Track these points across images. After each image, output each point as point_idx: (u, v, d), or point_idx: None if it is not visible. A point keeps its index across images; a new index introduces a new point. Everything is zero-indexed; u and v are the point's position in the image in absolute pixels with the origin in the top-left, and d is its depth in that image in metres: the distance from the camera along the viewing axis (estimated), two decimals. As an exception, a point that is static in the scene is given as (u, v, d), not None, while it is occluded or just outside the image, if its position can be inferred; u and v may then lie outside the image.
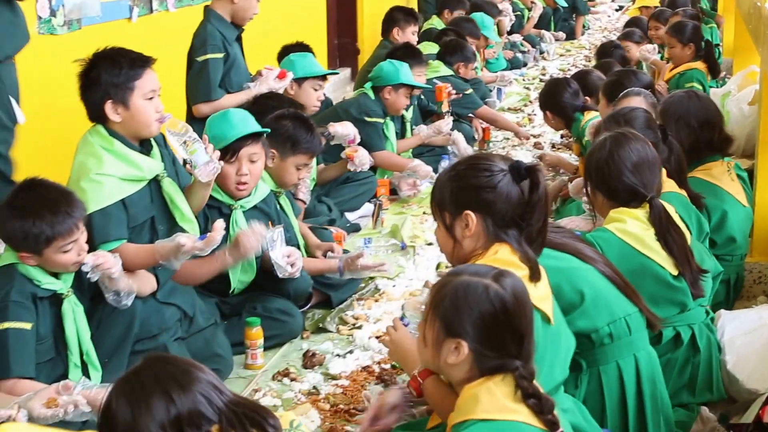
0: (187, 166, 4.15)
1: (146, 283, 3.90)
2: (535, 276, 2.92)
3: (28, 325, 3.46)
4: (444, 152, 7.28)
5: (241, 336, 4.27)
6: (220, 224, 3.95)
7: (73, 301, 3.61)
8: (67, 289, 3.60)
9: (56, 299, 3.59)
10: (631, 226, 3.57)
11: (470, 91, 8.02)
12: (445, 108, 7.51)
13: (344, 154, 6.02)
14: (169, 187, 4.09)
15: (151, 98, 3.99)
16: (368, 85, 6.67)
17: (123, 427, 2.23)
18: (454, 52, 8.11)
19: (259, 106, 5.30)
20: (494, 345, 2.55)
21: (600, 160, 3.67)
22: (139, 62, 3.99)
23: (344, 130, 6.03)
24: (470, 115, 8.14)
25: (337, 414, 3.84)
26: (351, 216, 6.17)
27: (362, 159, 5.99)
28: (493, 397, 2.51)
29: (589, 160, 3.77)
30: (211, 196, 4.29)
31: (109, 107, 3.92)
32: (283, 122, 4.93)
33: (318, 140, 5.06)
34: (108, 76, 3.92)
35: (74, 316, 3.60)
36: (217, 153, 4.13)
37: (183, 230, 4.05)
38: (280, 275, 4.41)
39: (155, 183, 4.07)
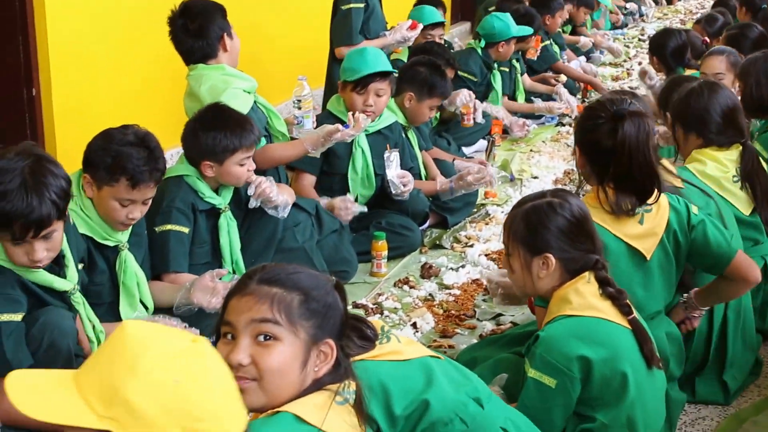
0: (295, 121, 4.19)
1: (290, 194, 3.91)
2: (621, 217, 2.80)
3: (185, 230, 3.50)
4: (550, 100, 7.02)
5: (367, 246, 4.25)
6: (362, 117, 4.13)
7: (228, 216, 3.62)
8: (225, 205, 3.61)
9: (214, 213, 3.60)
10: (710, 168, 3.37)
11: (548, 42, 7.60)
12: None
13: (461, 110, 5.74)
14: (263, 99, 4.09)
15: None
16: (482, 42, 6.37)
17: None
18: (542, 4, 7.69)
19: (423, 46, 5.62)
20: (575, 247, 2.52)
21: (699, 106, 3.45)
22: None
23: (455, 100, 5.61)
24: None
25: (449, 318, 3.81)
26: (467, 150, 6.05)
27: (476, 116, 5.85)
28: (582, 297, 2.49)
29: (684, 105, 3.53)
30: (335, 116, 4.36)
31: (224, 38, 3.95)
32: (420, 69, 4.91)
33: (449, 85, 5.01)
34: (219, 18, 3.95)
35: (228, 230, 3.62)
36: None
37: (277, 138, 4.09)
38: (393, 191, 4.42)
39: None
